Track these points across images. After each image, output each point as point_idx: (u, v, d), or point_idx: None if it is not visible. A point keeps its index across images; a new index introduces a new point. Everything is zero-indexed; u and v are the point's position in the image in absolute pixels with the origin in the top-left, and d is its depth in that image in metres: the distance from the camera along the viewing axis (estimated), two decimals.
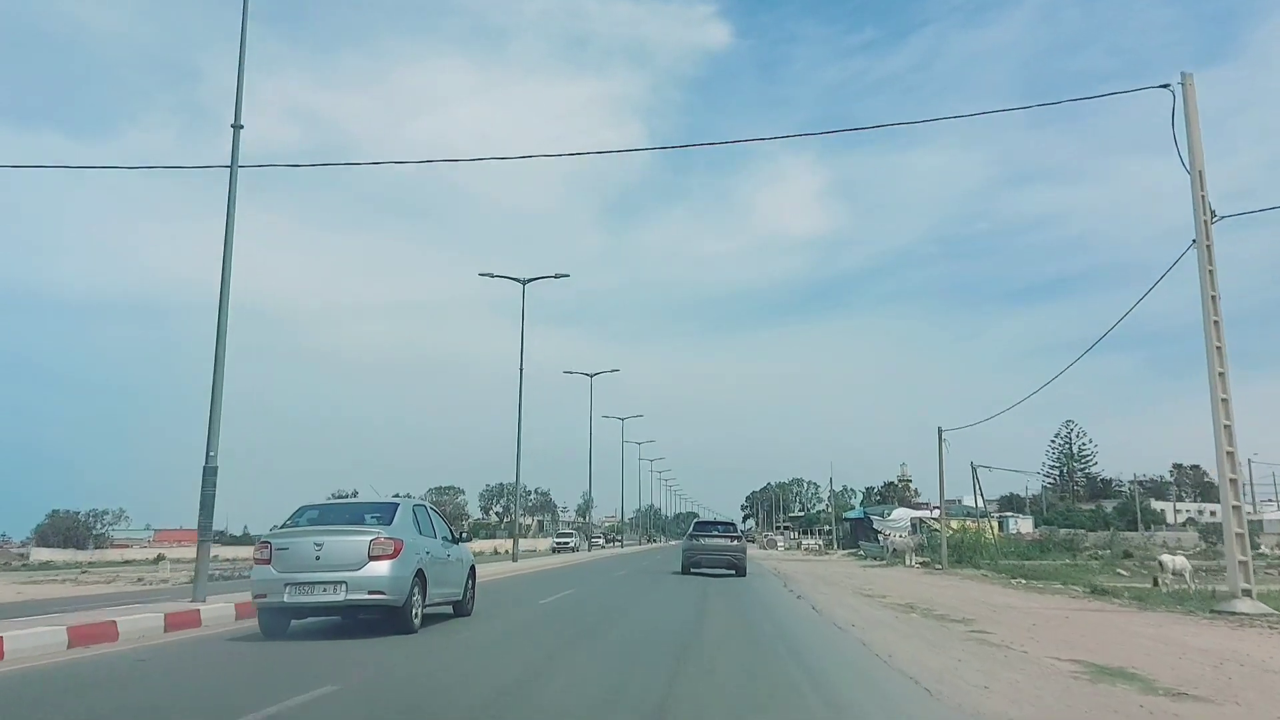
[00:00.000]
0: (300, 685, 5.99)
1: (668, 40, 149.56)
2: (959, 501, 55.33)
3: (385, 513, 9.49)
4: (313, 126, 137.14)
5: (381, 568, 8.72)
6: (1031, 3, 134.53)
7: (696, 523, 27.48)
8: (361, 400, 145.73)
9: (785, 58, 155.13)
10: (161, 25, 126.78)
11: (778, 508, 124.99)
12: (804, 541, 74.92)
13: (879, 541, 47.87)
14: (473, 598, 11.23)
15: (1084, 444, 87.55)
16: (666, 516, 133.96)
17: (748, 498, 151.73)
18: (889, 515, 56.42)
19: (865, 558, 39.58)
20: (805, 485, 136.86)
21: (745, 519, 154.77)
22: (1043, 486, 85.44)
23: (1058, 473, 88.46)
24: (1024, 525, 56.26)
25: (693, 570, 22.61)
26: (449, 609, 10.67)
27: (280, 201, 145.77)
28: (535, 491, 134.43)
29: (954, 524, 37.59)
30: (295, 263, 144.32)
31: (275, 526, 9.55)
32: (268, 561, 8.78)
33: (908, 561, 30.10)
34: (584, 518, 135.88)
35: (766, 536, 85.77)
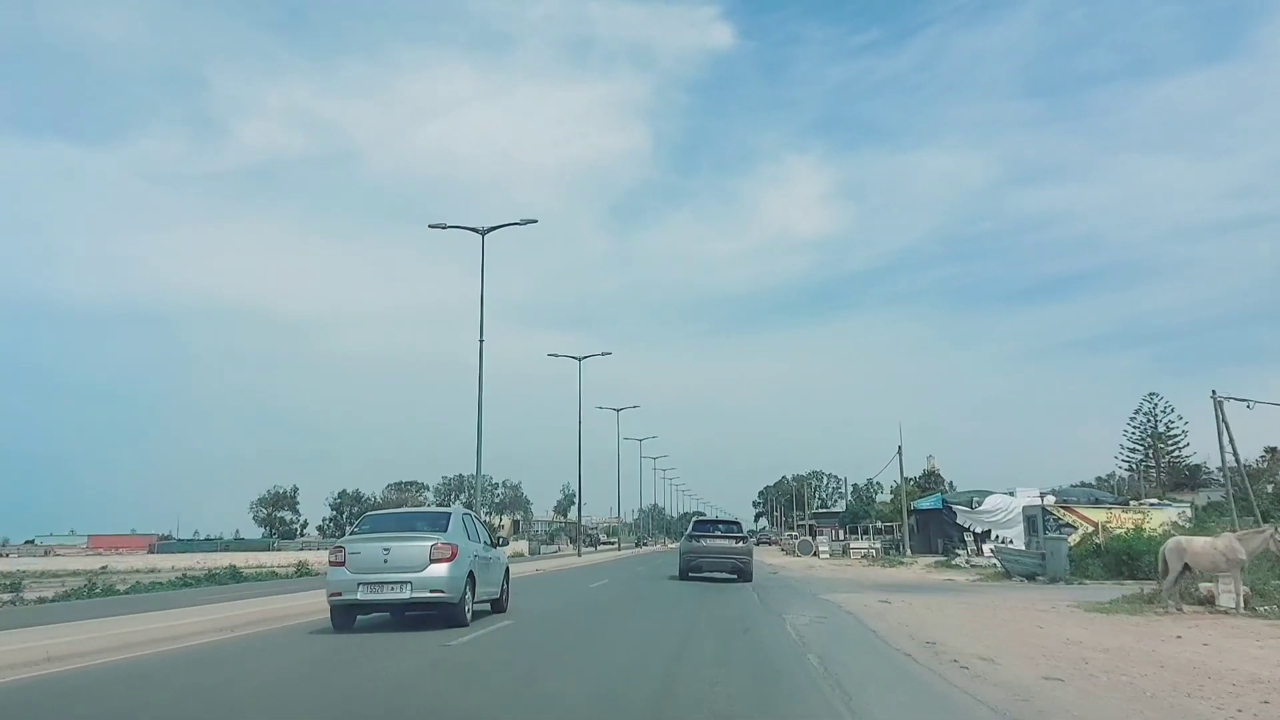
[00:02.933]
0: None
1: (671, 43, 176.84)
2: (1010, 494, 53.18)
3: (440, 521, 13.09)
4: (318, 133, 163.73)
5: (441, 569, 12.26)
6: (1035, 2, 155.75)
7: (696, 521, 27.69)
8: (344, 401, 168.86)
9: (789, 59, 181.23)
10: (168, 36, 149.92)
11: (796, 503, 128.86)
12: (852, 544, 58.75)
13: (968, 542, 41.77)
14: (508, 595, 14.85)
15: (1171, 422, 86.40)
16: (671, 517, 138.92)
17: (760, 493, 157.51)
18: (979, 505, 46.43)
19: (1006, 574, 27.12)
20: (825, 479, 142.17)
21: (757, 517, 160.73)
22: (1128, 471, 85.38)
23: (1138, 456, 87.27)
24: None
25: (691, 575, 23.55)
26: (487, 606, 14.22)
27: (286, 207, 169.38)
28: (503, 485, 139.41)
29: (1097, 514, 32.25)
30: (299, 268, 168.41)
31: (350, 530, 13.06)
32: (342, 564, 12.33)
33: (1232, 602, 15.17)
34: (563, 516, 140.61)
35: (796, 538, 71.22)
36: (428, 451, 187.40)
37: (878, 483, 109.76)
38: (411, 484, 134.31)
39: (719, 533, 24.91)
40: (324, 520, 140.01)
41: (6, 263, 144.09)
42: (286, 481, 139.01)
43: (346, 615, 12.53)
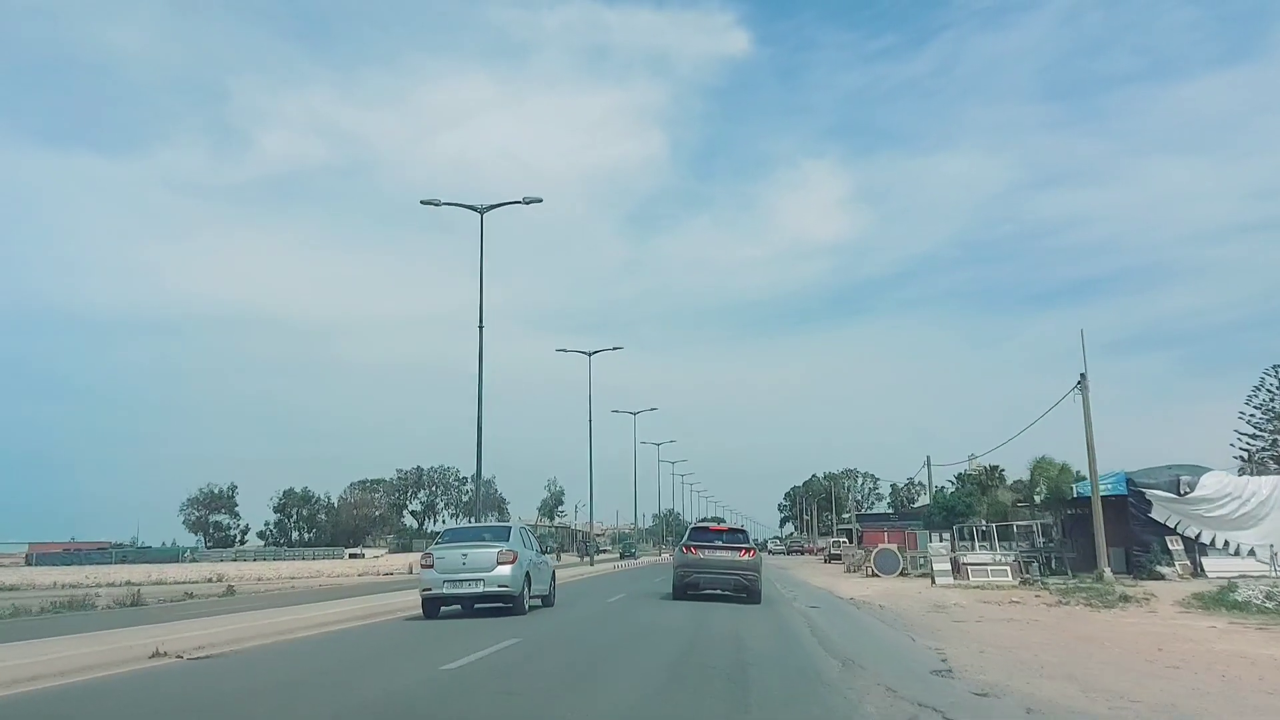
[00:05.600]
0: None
1: (688, 50, 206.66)
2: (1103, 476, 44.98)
3: (503, 533, 20.36)
4: (338, 142, 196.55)
5: (506, 570, 19.41)
6: (1053, 5, 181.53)
7: (693, 529, 27.42)
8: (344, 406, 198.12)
9: (805, 64, 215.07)
10: (190, 48, 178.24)
11: (835, 506, 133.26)
12: (966, 556, 37.51)
13: (1174, 552, 33.43)
14: (554, 593, 22.07)
15: None
16: (687, 523, 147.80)
17: (787, 494, 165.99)
18: (1190, 490, 35.56)
19: None
20: (860, 478, 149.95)
21: (784, 522, 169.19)
22: (1245, 461, 79.06)
23: (1261, 444, 79.43)
24: None
25: (690, 594, 23.98)
26: (539, 601, 21.37)
27: (307, 215, 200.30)
28: (474, 480, 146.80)
29: None
30: (318, 276, 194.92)
31: (434, 542, 20.28)
32: (431, 566, 19.45)
33: None
34: (550, 519, 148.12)
35: (873, 547, 50.35)
36: (386, 448, 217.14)
37: (920, 483, 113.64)
38: (379, 481, 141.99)
39: (721, 543, 24.63)
40: (267, 525, 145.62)
41: (30, 271, 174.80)
42: (245, 480, 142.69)
43: (434, 606, 19.67)
